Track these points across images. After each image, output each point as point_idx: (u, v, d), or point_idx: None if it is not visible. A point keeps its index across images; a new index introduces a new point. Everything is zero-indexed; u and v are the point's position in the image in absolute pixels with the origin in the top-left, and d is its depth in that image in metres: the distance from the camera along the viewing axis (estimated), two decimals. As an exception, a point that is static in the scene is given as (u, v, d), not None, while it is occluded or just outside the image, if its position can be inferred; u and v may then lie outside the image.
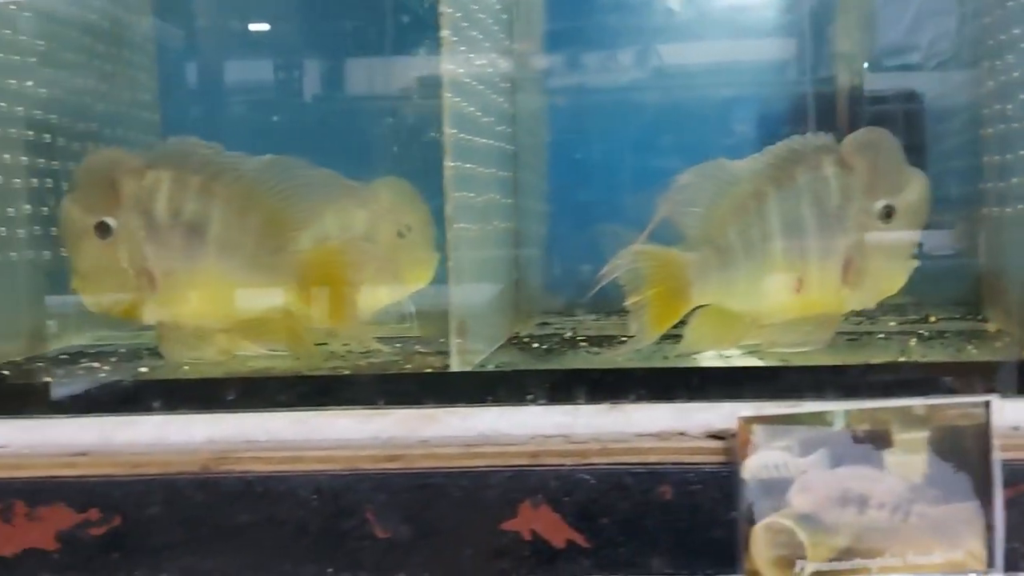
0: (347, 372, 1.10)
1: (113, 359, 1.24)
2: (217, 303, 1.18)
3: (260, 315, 1.18)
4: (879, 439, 0.83)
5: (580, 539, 0.87)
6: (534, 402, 0.96)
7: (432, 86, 1.55)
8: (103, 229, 1.17)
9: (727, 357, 1.12)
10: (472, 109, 1.17)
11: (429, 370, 1.09)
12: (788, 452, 0.83)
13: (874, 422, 0.83)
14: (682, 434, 0.90)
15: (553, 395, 0.97)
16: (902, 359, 1.08)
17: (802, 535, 0.83)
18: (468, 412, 0.94)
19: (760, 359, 1.10)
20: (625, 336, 1.23)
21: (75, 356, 1.28)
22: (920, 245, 1.14)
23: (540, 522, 0.87)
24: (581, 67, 1.66)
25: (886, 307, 1.17)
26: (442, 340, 1.25)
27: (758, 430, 0.83)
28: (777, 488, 0.83)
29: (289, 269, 1.17)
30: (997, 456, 0.82)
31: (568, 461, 0.88)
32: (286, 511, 0.88)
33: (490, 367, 1.11)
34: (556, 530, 0.87)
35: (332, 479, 0.88)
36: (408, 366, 1.12)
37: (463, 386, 1.01)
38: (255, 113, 1.69)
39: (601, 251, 1.27)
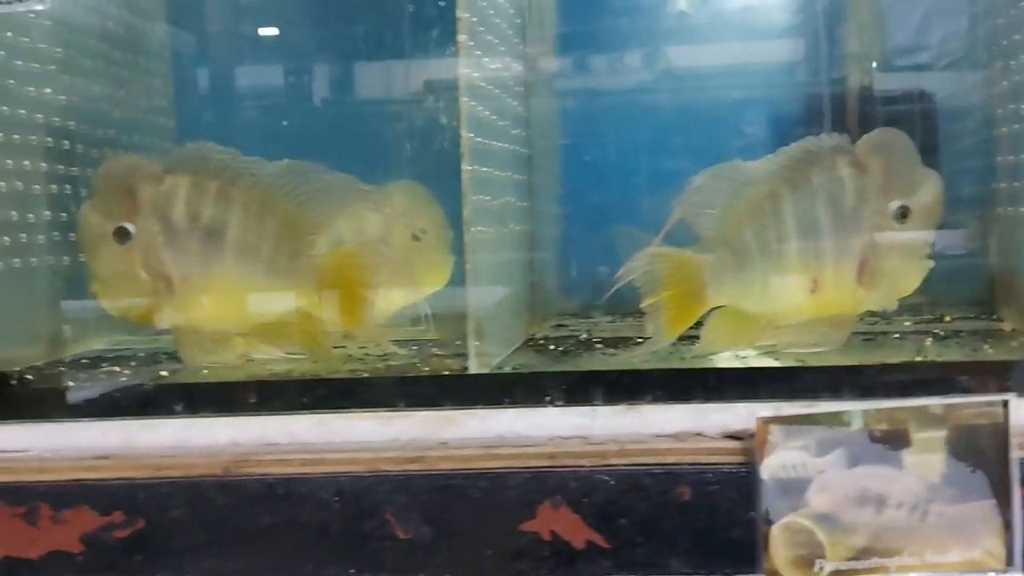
0: (366, 375, 1.11)
1: (132, 363, 1.25)
2: (235, 307, 1.18)
3: (278, 319, 1.19)
4: (897, 439, 0.84)
5: (600, 539, 0.88)
6: (552, 404, 0.97)
7: (442, 89, 1.58)
8: (122, 234, 1.17)
9: (743, 358, 1.12)
10: (488, 113, 1.18)
11: (447, 372, 1.10)
12: (806, 452, 0.84)
13: (892, 422, 0.84)
14: (699, 435, 0.91)
15: (570, 397, 0.97)
16: (918, 359, 1.09)
17: (821, 534, 0.83)
18: (487, 414, 0.94)
19: (776, 360, 1.10)
20: (641, 338, 1.24)
21: (95, 360, 1.29)
22: (934, 245, 1.15)
23: (560, 523, 0.88)
24: (594, 70, 1.66)
25: (901, 307, 1.17)
26: (458, 342, 1.26)
27: (776, 430, 0.84)
28: (795, 488, 0.84)
29: (306, 273, 1.18)
30: (1015, 455, 0.82)
31: (587, 462, 0.88)
32: (308, 513, 0.89)
33: (507, 369, 1.11)
34: (576, 531, 0.88)
35: (353, 481, 0.89)
36: (426, 369, 1.13)
37: (481, 388, 1.02)
38: (269, 118, 1.70)
39: (615, 253, 1.27)
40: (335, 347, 1.22)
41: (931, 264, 1.14)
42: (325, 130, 1.69)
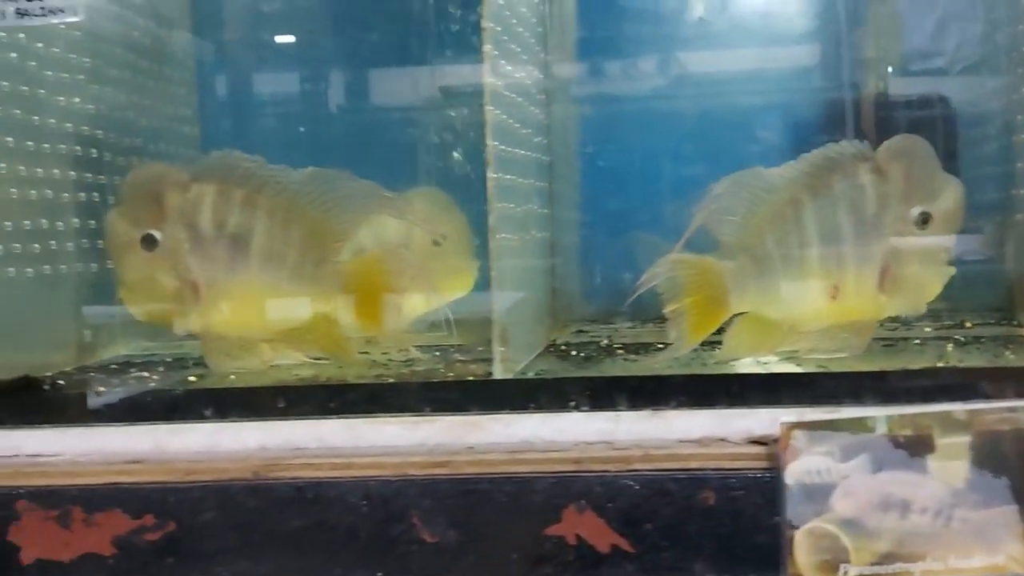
0: (392, 380, 1.12)
1: (160, 368, 1.27)
2: (260, 313, 1.20)
3: (303, 324, 1.20)
4: (920, 444, 0.84)
5: (624, 544, 0.88)
6: (576, 409, 0.97)
7: (461, 96, 1.59)
8: (149, 241, 1.19)
9: (764, 364, 1.13)
10: (511, 121, 1.19)
11: (472, 378, 1.11)
12: (830, 457, 0.84)
13: (915, 427, 0.84)
14: (723, 440, 0.91)
15: (595, 402, 0.98)
16: (940, 364, 1.09)
17: (845, 540, 0.84)
18: (512, 419, 0.95)
19: (797, 366, 1.11)
20: (661, 343, 1.25)
21: (123, 366, 1.31)
22: (954, 251, 1.15)
23: (585, 527, 0.89)
24: (614, 77, 1.67)
25: (921, 313, 1.18)
26: (480, 348, 1.28)
27: (800, 435, 0.84)
28: (820, 493, 0.84)
29: (331, 279, 1.19)
30: (1039, 460, 0.83)
31: (611, 467, 0.89)
32: (336, 516, 0.90)
33: (530, 374, 1.12)
34: (601, 535, 0.88)
35: (381, 485, 0.90)
36: (450, 374, 1.14)
37: (506, 393, 1.02)
38: (292, 125, 1.72)
39: (634, 259, 1.28)
40: (359, 353, 1.24)
41: (952, 270, 1.14)
42: (347, 137, 1.70)
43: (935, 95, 1.60)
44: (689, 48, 1.65)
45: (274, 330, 1.21)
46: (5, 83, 1.23)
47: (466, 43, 1.52)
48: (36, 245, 1.27)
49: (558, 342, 1.37)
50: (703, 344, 1.14)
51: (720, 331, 1.14)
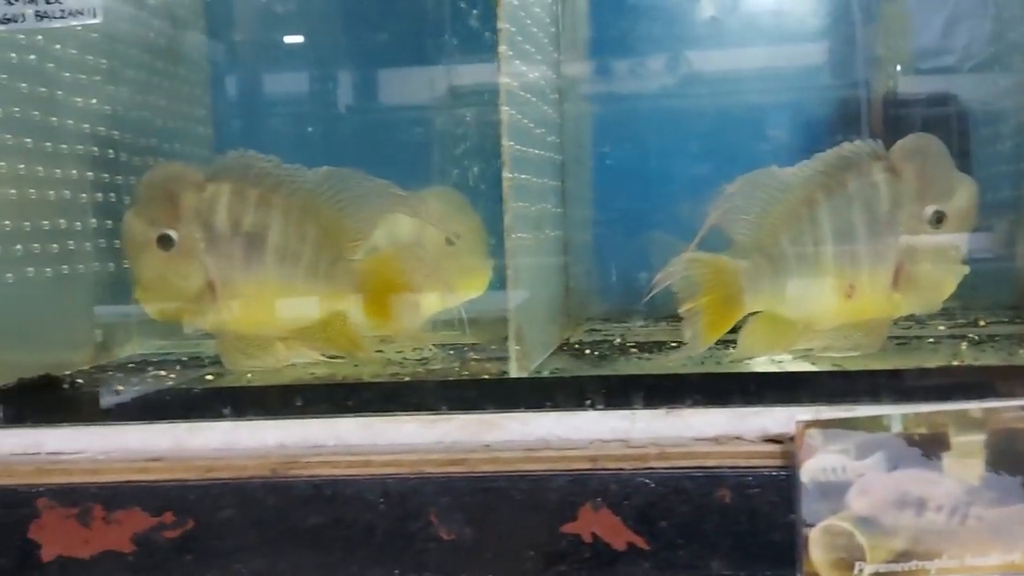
0: (409, 379, 1.12)
1: (177, 367, 1.28)
2: (276, 312, 1.21)
3: (318, 323, 1.21)
4: (936, 442, 0.84)
5: (640, 541, 0.89)
6: (592, 407, 0.98)
7: (472, 96, 1.60)
8: (165, 241, 1.20)
9: (779, 362, 1.13)
10: (526, 121, 1.19)
11: (488, 376, 1.12)
12: (846, 455, 0.85)
13: (931, 426, 0.84)
14: (739, 438, 0.92)
15: (610, 400, 0.98)
16: (955, 363, 1.09)
17: (861, 537, 0.84)
18: (528, 417, 0.96)
19: (812, 364, 1.11)
20: (674, 342, 1.25)
21: (140, 365, 1.32)
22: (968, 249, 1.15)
23: (600, 525, 0.89)
24: (626, 76, 1.67)
25: (935, 311, 1.18)
26: (493, 347, 1.28)
27: (816, 434, 0.85)
28: (835, 491, 0.84)
29: (346, 277, 1.20)
30: (1055, 458, 0.83)
31: (627, 465, 0.89)
32: (354, 514, 0.90)
33: (545, 373, 1.13)
34: (616, 533, 0.89)
35: (398, 483, 0.90)
36: (466, 373, 1.15)
37: (522, 392, 1.03)
38: (306, 125, 1.73)
39: (647, 258, 1.29)
40: (374, 351, 1.24)
41: (966, 269, 1.14)
42: (360, 137, 1.71)
43: (947, 93, 1.60)
44: (701, 47, 1.65)
45: (289, 328, 1.22)
46: (24, 85, 1.24)
47: (479, 43, 1.53)
48: (54, 245, 1.28)
49: (571, 341, 1.37)
50: (717, 343, 1.15)
51: (734, 330, 1.14)
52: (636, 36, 1.66)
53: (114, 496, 0.92)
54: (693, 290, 1.11)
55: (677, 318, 1.16)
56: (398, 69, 1.70)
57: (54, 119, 1.29)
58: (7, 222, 1.19)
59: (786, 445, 0.88)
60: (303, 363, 1.24)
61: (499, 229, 1.10)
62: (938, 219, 1.12)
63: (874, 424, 0.85)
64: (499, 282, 1.36)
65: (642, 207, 1.63)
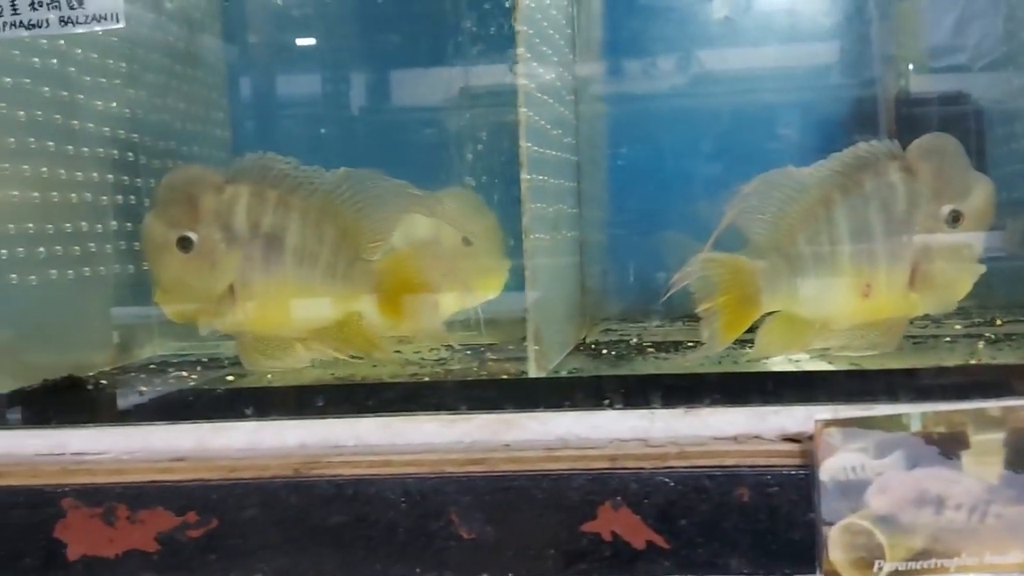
0: (428, 379, 1.13)
1: (198, 368, 1.29)
2: (294, 312, 1.22)
3: (337, 323, 1.22)
4: (955, 441, 0.85)
5: (660, 540, 0.89)
6: (611, 407, 0.98)
7: (489, 96, 1.60)
8: (184, 243, 1.21)
9: (796, 362, 1.14)
10: (543, 122, 1.20)
11: (506, 376, 1.13)
12: (865, 454, 0.85)
13: (950, 424, 0.84)
14: (758, 437, 0.92)
15: (629, 400, 0.99)
16: (973, 362, 1.09)
17: (880, 536, 0.84)
18: (547, 417, 0.96)
19: (829, 363, 1.12)
20: (690, 342, 1.26)
21: (161, 366, 1.33)
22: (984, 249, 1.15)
23: (620, 524, 0.89)
24: (640, 77, 1.68)
25: (951, 310, 1.18)
26: (511, 347, 1.29)
27: (835, 433, 0.85)
28: (855, 489, 0.85)
29: (364, 277, 1.21)
30: (1074, 457, 0.83)
31: (647, 464, 0.90)
32: (375, 513, 0.91)
33: (563, 373, 1.13)
34: (636, 531, 0.89)
35: (419, 482, 0.91)
36: (483, 373, 1.15)
37: (541, 391, 1.04)
38: (323, 127, 1.74)
39: (661, 258, 1.29)
40: (392, 352, 1.25)
41: (983, 268, 1.14)
42: (378, 138, 1.72)
43: (961, 92, 1.60)
44: (714, 47, 1.65)
45: (308, 329, 1.23)
46: (46, 89, 1.25)
47: (494, 44, 1.54)
48: (76, 247, 1.29)
49: (588, 341, 1.38)
50: (734, 343, 1.15)
51: (751, 330, 1.15)
52: (650, 37, 1.66)
53: (138, 496, 0.93)
54: (710, 290, 1.11)
55: (693, 318, 1.16)
56: (413, 70, 1.71)
57: (75, 122, 1.31)
58: (30, 225, 1.21)
59: (805, 444, 0.88)
60: (322, 362, 1.25)
61: (516, 230, 1.11)
62: (955, 218, 1.13)
63: (893, 423, 0.85)
64: (514, 282, 1.37)
65: (657, 207, 1.64)
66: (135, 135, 1.43)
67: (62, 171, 1.27)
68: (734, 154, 1.60)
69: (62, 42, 1.28)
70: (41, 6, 1.03)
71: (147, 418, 1.02)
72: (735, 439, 0.92)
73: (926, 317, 1.34)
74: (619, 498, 0.89)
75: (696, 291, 1.12)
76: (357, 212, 1.20)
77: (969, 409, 0.85)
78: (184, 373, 1.26)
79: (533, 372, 1.08)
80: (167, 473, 0.94)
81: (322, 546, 0.92)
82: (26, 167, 1.21)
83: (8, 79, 1.18)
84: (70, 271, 1.28)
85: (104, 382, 1.22)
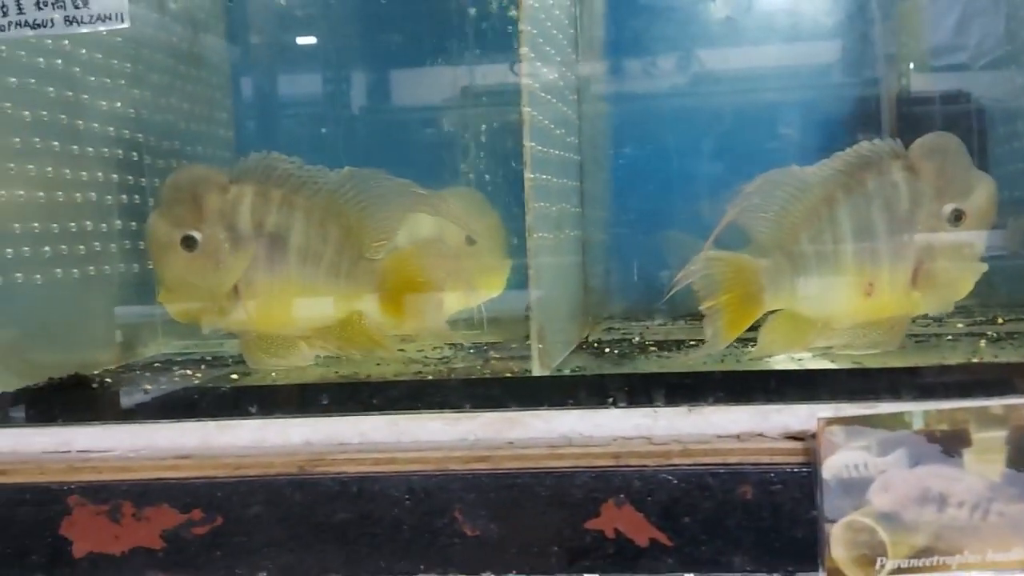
0: (433, 377, 1.13)
1: (202, 367, 1.30)
2: (299, 311, 1.22)
3: (340, 321, 1.22)
4: (957, 439, 0.85)
5: (663, 538, 0.89)
6: (614, 405, 0.99)
7: (492, 95, 1.61)
8: (189, 242, 1.21)
9: (799, 360, 1.14)
10: (547, 122, 1.20)
11: (510, 375, 1.13)
12: (867, 452, 0.85)
13: (952, 422, 0.85)
14: (761, 435, 0.92)
15: (632, 398, 0.99)
16: (975, 360, 1.10)
17: (883, 533, 0.84)
18: (551, 415, 0.96)
19: (832, 362, 1.12)
20: (693, 340, 1.26)
21: (166, 364, 1.33)
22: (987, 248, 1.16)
23: (623, 521, 0.90)
24: (642, 76, 1.68)
25: (953, 309, 1.19)
26: (514, 345, 1.29)
27: (838, 430, 0.85)
28: (857, 487, 0.85)
29: (367, 276, 1.21)
30: (1076, 454, 0.83)
31: (650, 462, 0.90)
32: (380, 510, 0.91)
33: (566, 371, 1.14)
34: (639, 529, 0.89)
35: (423, 479, 0.91)
36: (487, 372, 1.16)
37: (545, 390, 1.04)
38: (326, 127, 1.74)
39: (664, 257, 1.29)
40: (396, 350, 1.26)
41: (984, 267, 1.15)
42: (381, 138, 1.72)
43: (963, 91, 1.60)
44: (716, 46, 1.66)
45: (312, 328, 1.23)
46: (51, 89, 1.26)
47: (497, 44, 1.54)
48: (81, 247, 1.30)
49: (590, 339, 1.38)
50: (737, 341, 1.15)
51: (753, 328, 1.15)
52: (652, 36, 1.67)
53: (144, 493, 0.93)
54: (713, 288, 1.12)
55: (695, 317, 1.17)
56: (416, 70, 1.71)
57: (80, 122, 1.31)
58: (35, 224, 1.21)
59: (807, 442, 0.89)
60: (326, 360, 1.25)
61: (519, 229, 1.11)
62: (957, 217, 1.13)
63: (895, 421, 0.85)
64: (516, 281, 1.37)
65: (659, 206, 1.64)
66: (139, 135, 1.43)
67: (67, 171, 1.28)
68: (736, 153, 1.61)
69: (67, 42, 1.28)
70: (46, 6, 1.04)
71: (152, 416, 1.02)
72: (738, 437, 0.92)
73: (929, 316, 1.34)
74: (622, 496, 0.90)
75: (699, 289, 1.12)
76: (361, 211, 1.21)
77: (971, 407, 0.85)
78: (188, 371, 1.26)
79: (537, 370, 1.09)
80: (172, 471, 0.95)
81: (327, 543, 0.92)
82: (31, 167, 1.21)
83: (13, 79, 1.19)
84: (75, 270, 1.28)
85: (109, 380, 1.22)
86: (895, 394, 0.97)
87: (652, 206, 1.65)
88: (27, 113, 1.21)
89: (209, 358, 1.36)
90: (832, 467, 0.85)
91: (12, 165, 1.18)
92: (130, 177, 1.41)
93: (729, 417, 0.94)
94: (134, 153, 1.43)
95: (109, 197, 1.36)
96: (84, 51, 1.32)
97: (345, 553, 0.92)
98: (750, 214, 1.14)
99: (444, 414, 0.98)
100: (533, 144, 1.08)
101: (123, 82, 1.40)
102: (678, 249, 1.18)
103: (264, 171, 1.21)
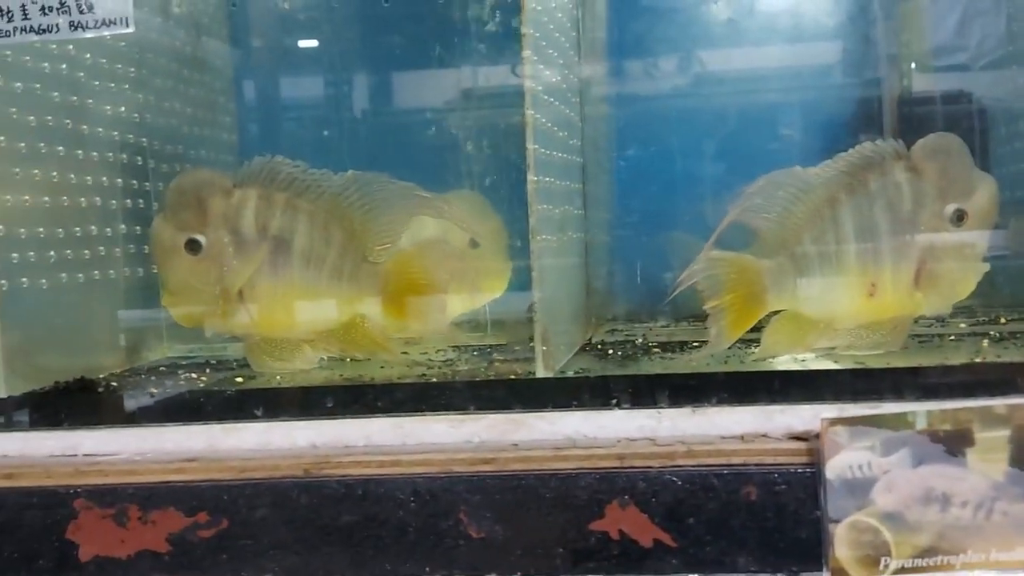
0: (437, 379, 1.14)
1: (207, 370, 1.30)
2: (302, 314, 1.22)
3: (344, 324, 1.23)
4: (961, 439, 0.85)
5: (667, 539, 0.90)
6: (618, 406, 0.99)
7: (495, 97, 1.61)
8: (193, 246, 1.21)
9: (802, 361, 1.14)
10: (550, 124, 1.21)
11: (514, 376, 1.13)
12: (871, 452, 0.85)
13: (955, 422, 0.85)
14: (764, 436, 0.93)
15: (636, 399, 1.00)
16: (978, 360, 1.10)
17: (886, 533, 0.85)
18: (555, 416, 0.97)
19: (835, 362, 1.12)
20: (696, 341, 1.26)
21: (171, 368, 1.34)
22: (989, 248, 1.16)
23: (628, 522, 0.90)
24: (645, 78, 1.68)
25: (955, 309, 1.19)
26: (517, 347, 1.30)
27: (841, 431, 0.85)
28: (861, 487, 0.85)
29: (371, 279, 1.21)
30: (1079, 454, 0.84)
31: (654, 463, 0.91)
32: (385, 513, 0.92)
33: (570, 373, 1.14)
34: (643, 530, 0.90)
35: (428, 481, 0.92)
36: (491, 374, 1.16)
37: (549, 392, 1.04)
38: (330, 130, 1.75)
39: (666, 259, 1.30)
40: (400, 353, 1.26)
41: (987, 267, 1.15)
42: (385, 141, 1.73)
43: (965, 91, 1.60)
44: (718, 48, 1.66)
45: (316, 331, 1.23)
46: (56, 94, 1.26)
47: (499, 47, 1.55)
48: (86, 251, 1.30)
49: (594, 341, 1.39)
50: (740, 342, 1.16)
51: (756, 329, 1.16)
52: (654, 38, 1.67)
53: (150, 497, 0.94)
54: (717, 288, 1.12)
55: (697, 318, 1.17)
56: (419, 73, 1.71)
57: (84, 127, 1.32)
58: (41, 229, 1.22)
59: (811, 442, 0.89)
60: (331, 363, 1.25)
61: (522, 231, 1.11)
62: (959, 217, 1.13)
63: (899, 421, 0.85)
64: (518, 283, 1.37)
65: (662, 208, 1.64)
66: (143, 139, 1.44)
67: (72, 175, 1.28)
68: (738, 155, 1.61)
69: (71, 47, 1.29)
70: (51, 11, 1.04)
71: (158, 419, 1.03)
72: (742, 438, 0.93)
73: (932, 316, 1.34)
74: (627, 497, 0.90)
75: (703, 289, 1.12)
76: (365, 215, 1.21)
77: (975, 407, 0.85)
78: (194, 375, 1.27)
79: (541, 372, 1.09)
80: (178, 474, 0.95)
81: (332, 546, 0.92)
82: (36, 171, 1.22)
83: (19, 84, 1.19)
84: (80, 274, 1.29)
85: (115, 384, 1.23)
86: (898, 394, 0.97)
87: (655, 208, 1.65)
88: (32, 118, 1.21)
89: (214, 362, 1.36)
90: (836, 467, 0.85)
91: (17, 170, 1.18)
92: (134, 181, 1.42)
93: (733, 418, 0.95)
94: (138, 157, 1.43)
95: (113, 201, 1.37)
96: (88, 56, 1.33)
97: (351, 555, 0.92)
98: (753, 215, 1.14)
99: (449, 416, 0.98)
100: (536, 146, 1.09)
101: (127, 86, 1.40)
102: (681, 250, 1.18)
103: (268, 175, 1.21)
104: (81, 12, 1.04)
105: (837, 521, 0.85)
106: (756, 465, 0.89)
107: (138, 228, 1.40)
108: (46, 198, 1.23)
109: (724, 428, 0.94)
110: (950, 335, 1.28)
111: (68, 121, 1.28)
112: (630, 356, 1.25)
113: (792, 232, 1.13)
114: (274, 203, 1.21)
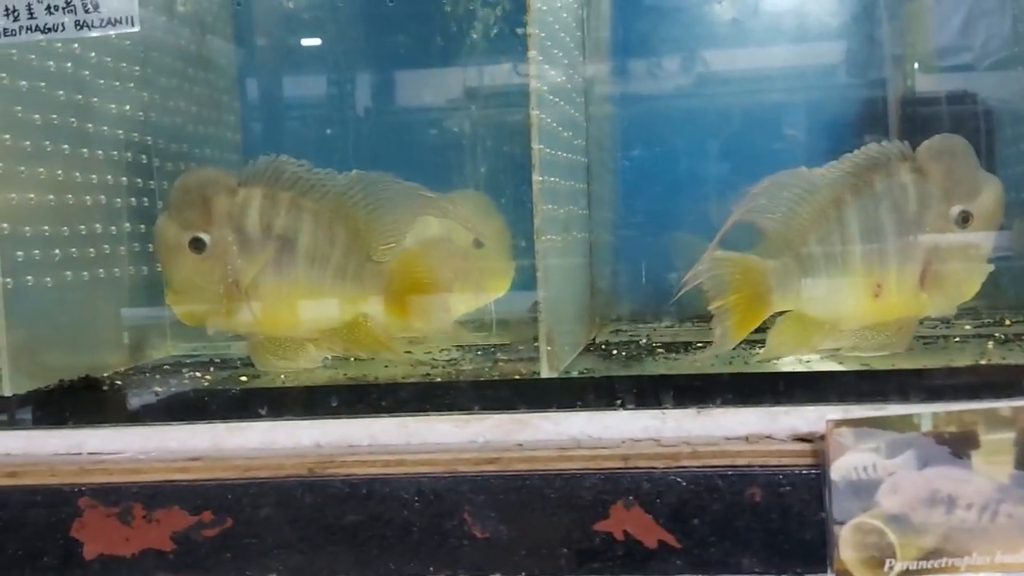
0: (442, 379, 1.14)
1: (211, 369, 1.30)
2: (306, 313, 1.22)
3: (348, 324, 1.23)
4: (966, 440, 0.85)
5: (672, 539, 0.90)
6: (623, 407, 0.99)
7: (499, 97, 1.61)
8: (197, 244, 1.22)
9: (807, 362, 1.14)
10: (554, 124, 1.21)
11: (519, 377, 1.13)
12: (876, 454, 0.85)
13: (961, 424, 0.85)
14: (769, 437, 0.93)
15: (641, 400, 1.00)
16: (983, 362, 1.10)
17: (891, 535, 0.85)
18: (560, 417, 0.97)
19: (840, 364, 1.12)
20: (700, 342, 1.26)
21: (175, 366, 1.34)
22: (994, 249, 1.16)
23: (632, 523, 0.90)
24: (649, 78, 1.68)
25: (960, 310, 1.19)
26: (521, 347, 1.30)
27: (846, 432, 0.85)
28: (866, 489, 0.85)
29: (375, 278, 1.21)
30: (1085, 456, 0.83)
31: (659, 464, 0.91)
32: (389, 512, 0.92)
33: (574, 373, 1.14)
34: (648, 531, 0.90)
35: (432, 481, 0.92)
36: (496, 374, 1.16)
37: (554, 392, 1.04)
38: (334, 130, 1.75)
39: (671, 259, 1.30)
40: (404, 352, 1.26)
41: (991, 268, 1.15)
42: (389, 140, 1.72)
43: (970, 92, 1.60)
44: (723, 48, 1.66)
45: (320, 330, 1.23)
46: (61, 92, 1.26)
47: (504, 47, 1.55)
48: (91, 249, 1.30)
49: (598, 341, 1.39)
50: (744, 343, 1.15)
51: (761, 330, 1.15)
52: (659, 38, 1.67)
53: (154, 495, 0.94)
54: (722, 288, 1.12)
55: (702, 318, 1.17)
56: (424, 72, 1.71)
57: (89, 125, 1.32)
58: (46, 227, 1.22)
59: (816, 444, 0.89)
60: (335, 363, 1.25)
61: (527, 231, 1.11)
62: (964, 219, 1.13)
63: (904, 423, 0.85)
64: (521, 283, 1.37)
65: (666, 208, 1.64)
66: (148, 138, 1.44)
67: (77, 174, 1.29)
68: (743, 155, 1.61)
69: (76, 45, 1.29)
70: (57, 10, 1.05)
71: (163, 418, 1.03)
72: (747, 439, 0.93)
73: (937, 317, 1.34)
74: (631, 497, 0.90)
75: (708, 289, 1.12)
76: (369, 215, 1.21)
77: (980, 409, 0.85)
78: (198, 374, 1.27)
79: (545, 372, 1.09)
80: (183, 473, 0.95)
81: (336, 545, 0.92)
82: (42, 170, 1.22)
83: (24, 83, 1.20)
84: (85, 273, 1.29)
85: (119, 383, 1.23)
86: (903, 396, 0.97)
87: (659, 208, 1.65)
88: (37, 116, 1.22)
89: (218, 360, 1.36)
90: (841, 469, 0.85)
91: (23, 168, 1.18)
92: (139, 180, 1.42)
93: (738, 419, 0.95)
94: (143, 156, 1.43)
95: (118, 200, 1.37)
96: (93, 54, 1.33)
97: (355, 555, 0.93)
98: (758, 215, 1.14)
99: (453, 416, 0.98)
100: (541, 146, 1.09)
101: (132, 85, 1.41)
102: (685, 251, 1.18)
103: (272, 174, 1.21)
104: (87, 11, 1.04)
105: (842, 523, 0.85)
106: (761, 466, 0.89)
107: (143, 226, 1.40)
108: (51, 196, 1.23)
109: (729, 429, 0.94)
110: (955, 337, 1.28)
111: (73, 119, 1.29)
112: (634, 356, 1.24)
113: (797, 233, 1.13)
114: (278, 202, 1.21)
